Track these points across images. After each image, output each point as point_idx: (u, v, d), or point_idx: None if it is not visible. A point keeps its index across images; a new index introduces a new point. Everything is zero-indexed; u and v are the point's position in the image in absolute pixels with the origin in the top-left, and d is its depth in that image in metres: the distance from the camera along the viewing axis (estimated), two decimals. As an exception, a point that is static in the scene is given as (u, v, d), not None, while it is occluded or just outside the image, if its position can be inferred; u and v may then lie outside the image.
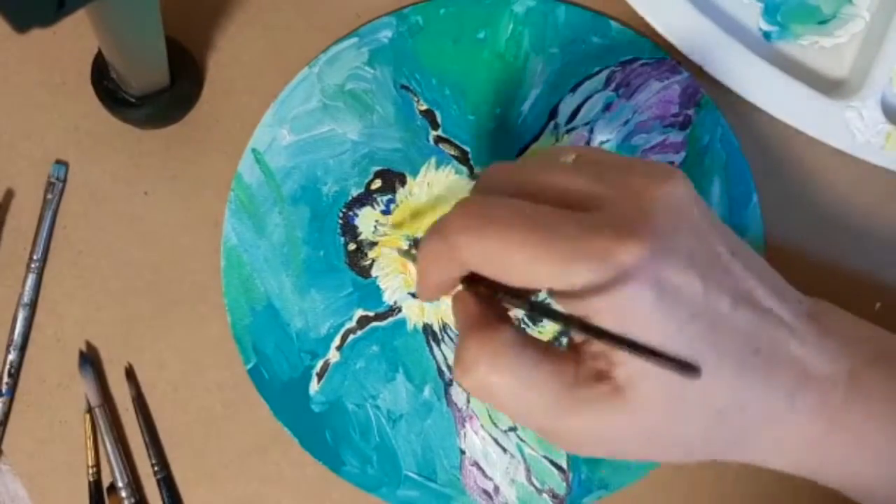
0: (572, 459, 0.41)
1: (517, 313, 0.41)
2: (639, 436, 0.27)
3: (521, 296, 0.27)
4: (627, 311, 0.25)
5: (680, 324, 0.25)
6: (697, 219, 0.27)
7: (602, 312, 0.25)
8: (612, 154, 0.32)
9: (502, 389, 0.26)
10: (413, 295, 0.41)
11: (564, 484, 0.41)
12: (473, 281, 0.28)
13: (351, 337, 0.41)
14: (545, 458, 0.41)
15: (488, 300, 0.28)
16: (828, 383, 0.28)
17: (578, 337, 0.27)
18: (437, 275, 0.28)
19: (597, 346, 0.26)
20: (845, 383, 0.28)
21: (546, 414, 0.26)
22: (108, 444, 0.40)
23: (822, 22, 0.43)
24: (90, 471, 0.40)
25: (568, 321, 0.25)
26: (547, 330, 0.41)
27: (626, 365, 0.26)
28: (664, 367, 0.23)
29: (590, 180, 0.27)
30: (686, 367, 0.23)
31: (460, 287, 0.29)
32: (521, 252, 0.25)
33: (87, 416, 0.40)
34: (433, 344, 0.41)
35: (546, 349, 0.27)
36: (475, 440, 0.41)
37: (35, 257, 0.41)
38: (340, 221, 0.41)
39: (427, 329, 0.41)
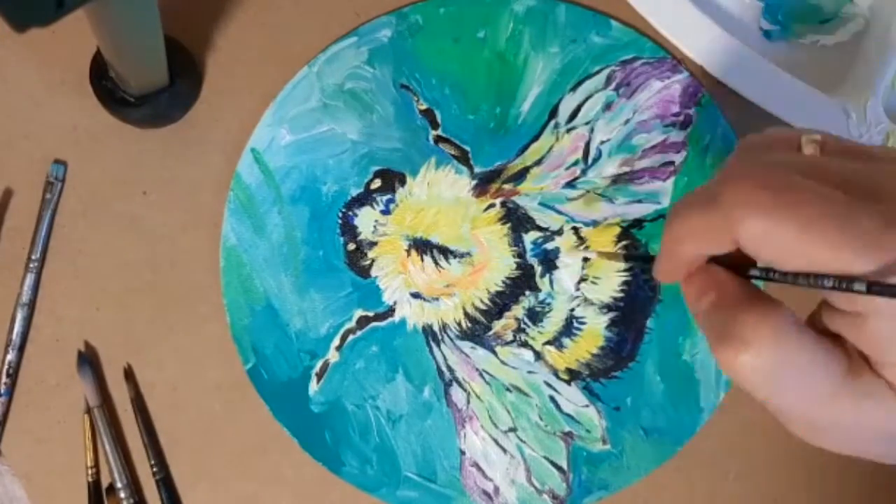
0: (573, 460, 0.41)
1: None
2: None
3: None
4: None
5: None
6: None
7: (882, 314, 0.23)
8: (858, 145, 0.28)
9: (782, 372, 0.23)
10: (413, 295, 0.41)
11: (564, 485, 0.41)
12: (716, 260, 0.26)
13: (350, 337, 0.41)
14: (545, 458, 0.41)
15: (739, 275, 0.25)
16: None
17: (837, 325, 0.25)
18: (696, 248, 0.25)
19: (869, 334, 0.24)
20: None
21: (821, 403, 0.24)
22: (106, 445, 0.40)
23: (823, 21, 0.43)
24: (89, 471, 0.40)
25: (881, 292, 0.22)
26: (547, 330, 0.41)
27: None
28: None
29: (864, 169, 0.24)
30: None
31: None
32: (821, 241, 0.22)
33: (86, 417, 0.40)
34: (433, 344, 0.41)
35: (818, 333, 0.24)
36: (475, 441, 0.41)
37: (34, 257, 0.40)
38: (340, 221, 0.41)
39: (427, 329, 0.41)
